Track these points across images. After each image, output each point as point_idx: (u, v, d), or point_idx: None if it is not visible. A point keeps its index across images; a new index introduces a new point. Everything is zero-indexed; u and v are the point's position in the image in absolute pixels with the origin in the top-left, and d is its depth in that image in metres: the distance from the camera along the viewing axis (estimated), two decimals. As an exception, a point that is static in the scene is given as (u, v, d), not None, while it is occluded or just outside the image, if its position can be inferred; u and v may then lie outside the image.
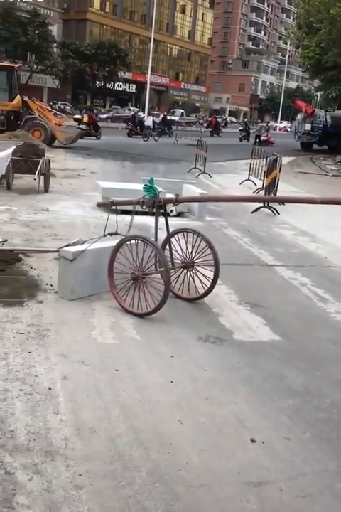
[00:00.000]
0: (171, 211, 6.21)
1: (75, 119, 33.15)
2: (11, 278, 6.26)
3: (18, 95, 23.30)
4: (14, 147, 13.09)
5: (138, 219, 10.17)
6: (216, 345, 5.05)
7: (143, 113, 49.99)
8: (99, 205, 7.87)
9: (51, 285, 6.18)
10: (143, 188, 6.06)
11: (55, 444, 3.31)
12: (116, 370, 4.35)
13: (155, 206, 5.99)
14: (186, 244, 6.36)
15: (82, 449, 3.30)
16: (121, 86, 70.04)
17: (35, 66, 49.73)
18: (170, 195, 7.88)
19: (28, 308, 5.46)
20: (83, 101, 66.99)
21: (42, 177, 12.31)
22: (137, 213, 6.21)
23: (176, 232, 6.43)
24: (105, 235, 6.21)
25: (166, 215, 6.22)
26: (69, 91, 63.76)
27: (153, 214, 6.16)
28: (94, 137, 29.92)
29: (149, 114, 45.78)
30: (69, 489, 2.94)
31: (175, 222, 6.38)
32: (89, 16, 67.81)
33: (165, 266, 5.57)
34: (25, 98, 23.68)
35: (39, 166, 11.94)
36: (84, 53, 56.05)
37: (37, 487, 2.93)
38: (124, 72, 63.70)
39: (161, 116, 44.25)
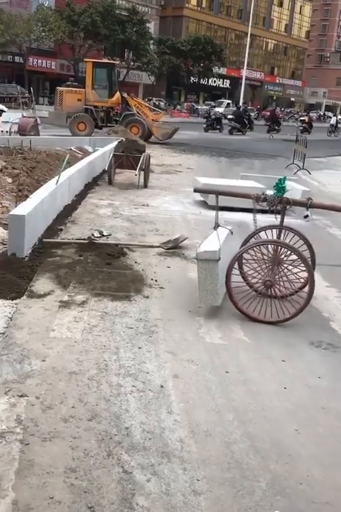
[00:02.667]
0: (306, 216, 5.86)
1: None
2: (117, 272, 6.32)
3: (118, 92, 23.78)
4: (116, 143, 13.35)
5: (235, 215, 10.06)
6: (329, 352, 4.81)
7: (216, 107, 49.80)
8: (196, 190, 7.21)
9: (156, 280, 6.18)
10: (274, 186, 5.81)
11: (170, 445, 3.25)
12: (227, 372, 4.24)
13: (283, 206, 5.71)
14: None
15: (198, 452, 3.22)
16: (215, 81, 69.86)
17: (132, 63, 50.67)
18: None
19: (136, 303, 5.48)
20: (177, 97, 67.52)
21: (142, 172, 12.45)
22: (245, 210, 5.98)
23: (262, 229, 6.12)
24: (215, 228, 5.92)
25: (283, 215, 5.86)
26: (164, 87, 64.47)
27: (272, 212, 5.88)
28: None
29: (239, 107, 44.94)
30: (187, 494, 2.87)
31: (267, 219, 6.10)
32: (186, 12, 68.12)
33: (309, 270, 5.31)
34: (125, 94, 24.14)
35: (140, 162, 12.06)
36: (179, 49, 56.37)
37: (156, 489, 2.88)
38: (219, 68, 63.40)
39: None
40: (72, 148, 16.22)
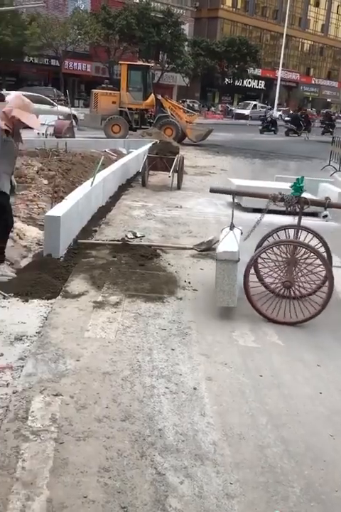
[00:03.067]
0: (325, 216, 5.79)
1: None
2: (151, 273, 6.34)
3: (152, 94, 23.89)
4: (150, 145, 13.41)
5: (268, 217, 9.96)
6: (365, 357, 4.72)
7: (272, 109, 49.34)
8: (212, 190, 6.94)
9: (189, 282, 6.18)
10: (292, 185, 5.77)
11: (203, 448, 3.24)
12: (260, 376, 4.20)
13: (301, 206, 5.68)
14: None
15: (231, 455, 3.20)
16: (249, 82, 69.48)
17: (166, 65, 50.80)
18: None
19: (169, 305, 5.49)
20: (211, 98, 67.40)
21: (175, 174, 12.47)
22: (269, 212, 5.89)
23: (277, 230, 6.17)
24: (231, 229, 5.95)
25: (301, 215, 5.77)
26: (198, 89, 64.43)
27: (289, 213, 5.83)
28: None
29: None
30: (221, 497, 2.85)
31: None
32: (221, 13, 67.95)
33: (328, 268, 5.28)
34: (159, 96, 24.23)
35: (174, 164, 12.09)
36: (214, 51, 56.24)
37: (189, 491, 2.87)
38: (254, 69, 63.03)
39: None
40: (106, 150, 16.39)
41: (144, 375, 4.04)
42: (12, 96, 5.55)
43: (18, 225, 7.10)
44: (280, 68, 55.81)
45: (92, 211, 8.76)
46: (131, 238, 7.77)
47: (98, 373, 3.99)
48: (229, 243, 5.58)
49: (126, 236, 7.78)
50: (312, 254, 5.41)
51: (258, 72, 67.52)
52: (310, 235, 5.99)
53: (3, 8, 36.60)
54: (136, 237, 7.92)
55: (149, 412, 3.55)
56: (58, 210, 6.65)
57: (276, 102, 55.77)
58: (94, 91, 24.49)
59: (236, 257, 5.28)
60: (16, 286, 5.47)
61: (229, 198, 11.42)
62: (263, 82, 72.91)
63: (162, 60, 51.12)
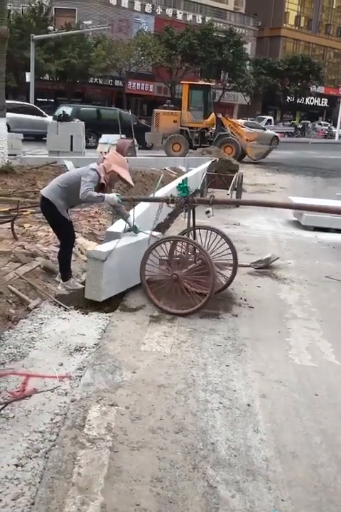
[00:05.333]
0: (207, 212, 6.18)
1: None
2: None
3: (213, 113, 24.06)
4: (209, 163, 13.51)
5: (330, 236, 9.84)
6: None
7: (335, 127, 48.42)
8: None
9: (245, 299, 6.19)
10: (177, 187, 6.08)
11: (256, 464, 3.25)
12: (316, 395, 4.16)
13: (189, 206, 5.87)
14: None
15: (284, 473, 3.19)
16: (312, 100, 68.57)
17: (227, 84, 50.99)
18: None
19: (224, 321, 5.52)
20: (272, 116, 66.95)
21: (234, 192, 12.50)
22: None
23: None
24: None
25: (194, 214, 6.04)
26: (259, 107, 64.16)
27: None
28: None
29: None
30: (272, 514, 2.85)
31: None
32: (283, 32, 67.61)
33: (209, 260, 5.53)
34: (219, 115, 24.37)
35: (232, 182, 12.14)
36: (276, 69, 55.97)
37: (239, 506, 2.88)
38: (316, 87, 62.23)
39: None
40: (166, 168, 16.61)
41: (198, 389, 4.09)
42: (109, 153, 6.11)
43: (79, 240, 7.33)
44: (344, 86, 54.86)
45: (151, 227, 8.88)
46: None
47: (153, 386, 4.07)
48: (106, 244, 5.90)
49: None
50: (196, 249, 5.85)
51: (320, 89, 66.57)
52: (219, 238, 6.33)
53: (71, 32, 37.96)
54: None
55: (202, 426, 3.59)
56: (118, 226, 6.81)
57: (339, 119, 54.74)
58: (156, 110, 24.94)
59: (103, 256, 5.48)
60: (77, 299, 5.66)
61: (288, 216, 11.40)
62: (326, 99, 71.76)
63: (223, 79, 51.34)
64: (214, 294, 5.62)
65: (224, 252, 6.25)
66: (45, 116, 25.64)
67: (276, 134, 39.18)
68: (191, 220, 6.02)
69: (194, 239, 6.12)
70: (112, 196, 5.69)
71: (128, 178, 5.87)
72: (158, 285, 5.78)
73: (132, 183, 6.09)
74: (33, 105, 28.15)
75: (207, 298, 5.51)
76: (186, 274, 5.74)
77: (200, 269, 5.75)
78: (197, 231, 6.25)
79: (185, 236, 6.07)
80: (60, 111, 23.14)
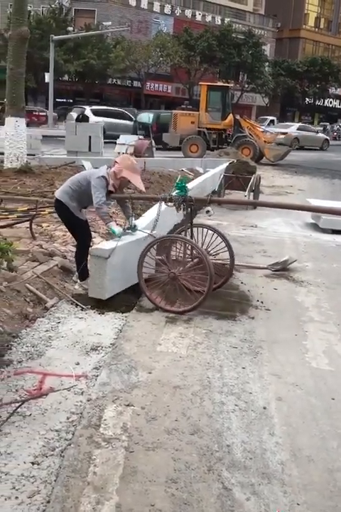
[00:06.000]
0: (208, 211, 6.19)
1: None
2: (224, 291, 6.38)
3: (231, 114, 24.00)
4: (227, 164, 13.49)
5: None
6: None
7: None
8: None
9: (262, 302, 6.17)
10: (176, 185, 6.06)
11: (271, 467, 3.23)
12: (333, 399, 4.12)
13: (187, 205, 5.91)
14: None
15: (299, 476, 3.17)
16: (331, 102, 68.12)
17: (246, 85, 50.87)
18: None
19: (241, 323, 5.50)
20: (291, 118, 66.56)
21: (251, 193, 12.46)
22: None
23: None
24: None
25: (192, 213, 6.13)
26: (278, 109, 63.86)
27: None
28: None
29: None
30: (287, 518, 2.84)
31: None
32: (303, 33, 67.25)
33: (206, 258, 5.54)
34: (237, 117, 24.30)
35: (250, 183, 12.10)
36: (295, 71, 55.67)
37: (255, 509, 2.87)
38: (336, 88, 61.80)
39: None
40: (183, 169, 16.62)
41: (214, 391, 4.08)
42: (120, 157, 6.00)
43: (97, 240, 7.36)
44: (364, 87, 54.42)
45: (168, 227, 8.92)
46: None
47: (169, 386, 4.08)
48: (108, 242, 5.91)
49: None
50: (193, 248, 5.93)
51: (340, 91, 66.10)
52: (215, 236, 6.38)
53: (90, 33, 38.17)
54: (210, 255, 7.96)
55: (218, 428, 3.58)
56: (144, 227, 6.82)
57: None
58: (174, 111, 24.99)
59: (106, 254, 5.44)
60: (93, 298, 5.67)
61: (306, 218, 11.33)
62: (345, 101, 71.29)
63: (242, 80, 51.23)
64: (211, 292, 5.59)
65: (222, 250, 6.34)
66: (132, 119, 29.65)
67: (327, 137, 39.66)
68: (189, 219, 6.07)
69: (191, 238, 6.15)
70: (114, 230, 5.74)
71: (139, 184, 5.89)
72: (156, 284, 5.82)
73: (143, 189, 6.08)
74: (122, 110, 32.56)
75: (204, 296, 5.49)
76: (184, 273, 5.75)
77: (197, 267, 5.80)
78: (194, 230, 6.31)
79: (182, 235, 6.10)
80: (143, 117, 27.16)
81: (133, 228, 6.13)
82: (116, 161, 5.82)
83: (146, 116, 26.89)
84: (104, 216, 5.73)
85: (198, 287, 5.72)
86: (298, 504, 2.94)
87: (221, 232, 6.53)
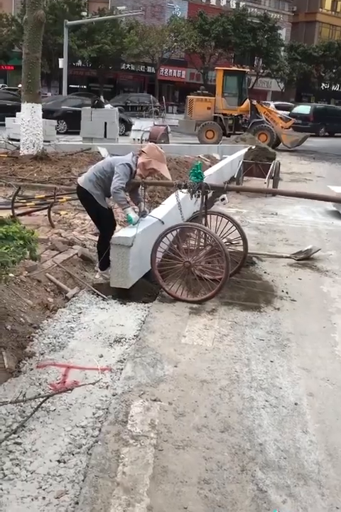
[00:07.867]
0: (222, 199, 6.20)
1: None
2: (246, 281, 6.23)
3: (247, 99, 23.68)
4: (245, 150, 13.27)
5: None
6: None
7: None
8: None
9: (287, 292, 6.01)
10: (191, 172, 5.92)
11: (306, 467, 3.09)
12: (366, 395, 3.97)
13: (202, 191, 5.79)
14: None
15: (337, 478, 3.03)
16: (347, 87, 67.20)
17: (261, 70, 50.26)
18: None
19: (266, 315, 5.35)
20: (307, 102, 65.78)
21: (271, 180, 12.24)
22: None
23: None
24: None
25: (206, 200, 5.98)
26: (293, 94, 63.09)
27: None
28: None
29: None
30: (327, 523, 2.70)
31: None
32: (319, 17, 66.19)
33: (222, 245, 5.44)
34: (254, 102, 23.97)
35: (269, 170, 11.88)
36: (311, 55, 54.86)
37: (292, 512, 2.75)
38: (353, 73, 60.88)
39: None
40: (200, 155, 16.39)
41: (243, 386, 3.94)
42: (148, 147, 5.77)
43: (118, 228, 7.22)
44: None
45: (187, 216, 8.74)
46: (227, 244, 7.66)
47: (196, 381, 3.95)
48: (127, 229, 5.68)
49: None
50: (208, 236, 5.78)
51: (357, 76, 65.15)
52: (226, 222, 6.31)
53: (104, 17, 37.82)
54: (231, 244, 7.80)
55: (249, 425, 3.45)
56: (155, 214, 6.67)
57: None
58: (190, 97, 24.69)
59: (129, 242, 5.30)
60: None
61: (327, 205, 11.10)
62: (362, 86, 70.26)
63: (257, 65, 50.62)
64: (228, 279, 5.47)
65: (236, 238, 6.30)
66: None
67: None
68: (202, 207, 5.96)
69: (205, 225, 6.01)
70: (130, 217, 5.58)
71: (167, 174, 5.77)
72: (170, 273, 5.71)
73: (170, 178, 5.93)
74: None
75: (222, 283, 5.37)
76: (198, 261, 5.60)
77: (213, 255, 5.68)
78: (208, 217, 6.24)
79: (195, 223, 5.96)
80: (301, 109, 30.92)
81: (144, 214, 5.97)
82: (143, 151, 5.64)
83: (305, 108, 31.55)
84: (121, 201, 5.53)
85: (213, 276, 5.60)
86: (338, 508, 2.80)
87: (234, 219, 6.44)
